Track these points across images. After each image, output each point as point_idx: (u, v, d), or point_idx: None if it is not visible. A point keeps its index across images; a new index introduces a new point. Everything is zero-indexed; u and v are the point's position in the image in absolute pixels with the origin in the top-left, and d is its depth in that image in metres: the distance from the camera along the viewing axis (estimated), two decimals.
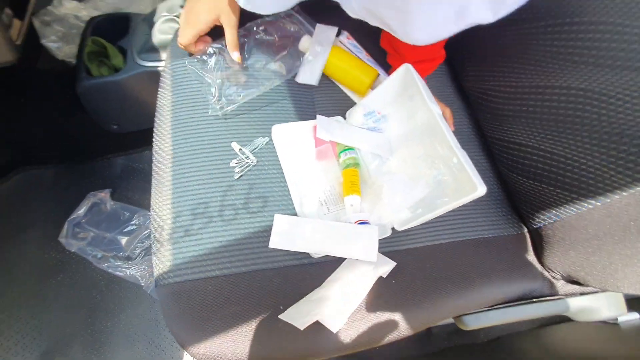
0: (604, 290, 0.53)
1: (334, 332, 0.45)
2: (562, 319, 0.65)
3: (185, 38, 0.59)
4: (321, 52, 0.64)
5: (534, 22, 0.55)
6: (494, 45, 0.62)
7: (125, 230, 0.91)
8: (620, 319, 0.65)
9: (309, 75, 0.63)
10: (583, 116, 0.49)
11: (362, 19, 0.49)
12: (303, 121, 0.62)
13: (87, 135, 1.04)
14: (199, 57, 0.62)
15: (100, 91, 0.85)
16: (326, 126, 0.58)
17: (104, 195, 0.95)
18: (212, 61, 0.63)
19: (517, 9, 0.58)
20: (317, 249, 0.51)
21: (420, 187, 0.54)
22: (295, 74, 0.65)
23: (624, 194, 0.43)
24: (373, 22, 0.48)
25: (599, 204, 0.46)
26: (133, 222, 0.91)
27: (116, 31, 0.89)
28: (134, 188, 0.99)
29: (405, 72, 0.55)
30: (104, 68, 0.86)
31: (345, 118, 0.64)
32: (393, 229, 0.55)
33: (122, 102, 0.89)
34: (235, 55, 0.60)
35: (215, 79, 0.62)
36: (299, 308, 0.46)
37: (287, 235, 0.52)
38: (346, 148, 0.59)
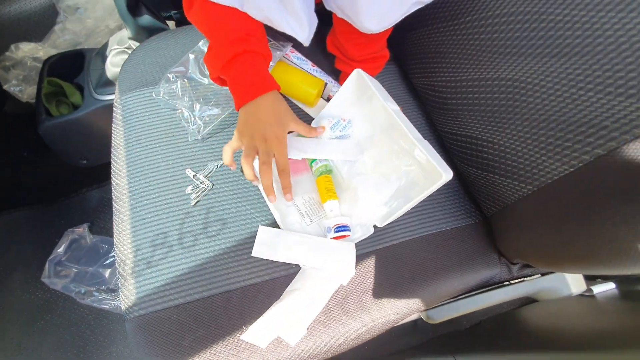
0: (552, 271, 0.55)
1: (292, 345, 0.46)
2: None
3: (285, 158, 0.51)
4: None
5: (460, 17, 0.56)
6: (431, 42, 0.63)
7: (107, 262, 0.92)
8: (596, 290, 0.66)
9: None
10: (514, 105, 0.50)
11: (333, 11, 0.55)
12: None
13: (59, 173, 1.05)
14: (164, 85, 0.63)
15: (62, 130, 0.86)
16: (296, 145, 0.58)
17: (82, 230, 0.96)
18: (177, 87, 0.64)
19: (445, 5, 0.60)
20: (298, 260, 0.52)
21: (392, 181, 0.55)
22: None
23: (555, 178, 0.45)
24: (340, 14, 0.55)
25: (535, 189, 0.47)
26: (112, 255, 0.93)
27: (72, 69, 0.90)
28: (111, 219, 1.00)
29: (357, 76, 0.56)
30: (63, 107, 0.87)
31: None
32: (375, 226, 0.56)
33: (86, 138, 0.90)
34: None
35: (187, 104, 0.62)
36: (259, 325, 0.47)
37: (269, 246, 0.53)
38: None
